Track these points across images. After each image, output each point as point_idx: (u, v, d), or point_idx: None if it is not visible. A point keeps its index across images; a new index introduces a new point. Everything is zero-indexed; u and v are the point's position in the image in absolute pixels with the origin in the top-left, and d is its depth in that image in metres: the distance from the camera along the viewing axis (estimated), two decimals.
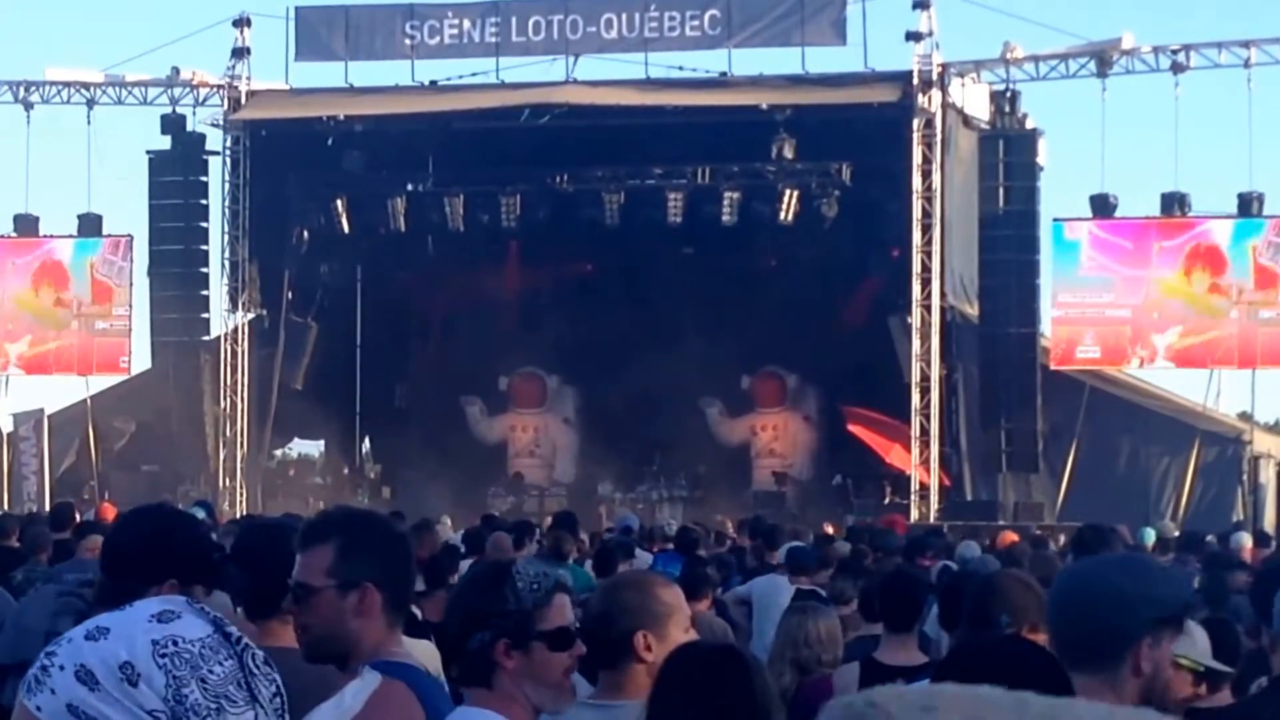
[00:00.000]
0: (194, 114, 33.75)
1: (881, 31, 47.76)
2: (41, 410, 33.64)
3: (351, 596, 4.06)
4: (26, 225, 34.20)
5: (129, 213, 44.66)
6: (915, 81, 30.54)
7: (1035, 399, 30.23)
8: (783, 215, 31.87)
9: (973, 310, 31.24)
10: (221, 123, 33.53)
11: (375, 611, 4.07)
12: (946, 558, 14.72)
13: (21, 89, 33.71)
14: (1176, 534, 20.12)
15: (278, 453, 35.90)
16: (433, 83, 32.83)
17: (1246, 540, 17.00)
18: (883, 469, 32.23)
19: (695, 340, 32.23)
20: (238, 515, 25.81)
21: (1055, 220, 31.20)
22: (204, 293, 33.56)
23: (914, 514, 29.65)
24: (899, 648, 7.66)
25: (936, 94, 30.68)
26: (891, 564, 12.55)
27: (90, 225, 33.92)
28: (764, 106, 30.74)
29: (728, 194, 32.08)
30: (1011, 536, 16.06)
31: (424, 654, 4.33)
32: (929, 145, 30.59)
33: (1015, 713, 1.68)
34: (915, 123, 30.50)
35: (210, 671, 2.22)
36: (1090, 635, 3.52)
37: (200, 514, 17.33)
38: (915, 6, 30.75)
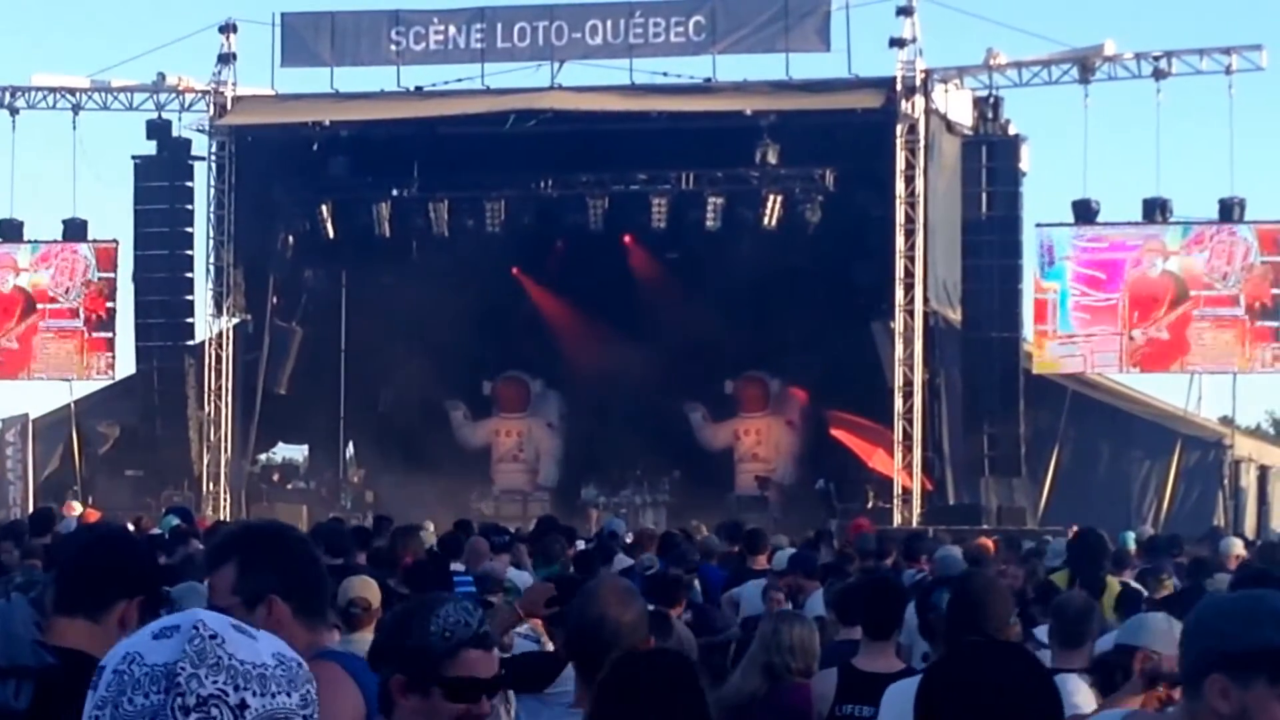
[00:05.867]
0: (180, 119, 33.89)
1: (865, 38, 47.91)
2: (26, 415, 33.65)
3: (259, 611, 4.10)
4: (11, 231, 34.20)
5: (114, 218, 44.77)
6: (899, 87, 30.64)
7: (1018, 403, 30.32)
8: (767, 220, 31.93)
9: (955, 315, 31.32)
10: (207, 128, 33.59)
11: (285, 620, 4.10)
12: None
13: (7, 95, 33.69)
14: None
15: (262, 457, 35.88)
16: (418, 88, 32.91)
17: (1237, 546, 16.63)
18: (865, 473, 32.25)
19: (679, 345, 32.28)
20: (221, 520, 25.79)
21: (1038, 225, 31.34)
22: (189, 297, 33.58)
23: (897, 518, 29.74)
24: (878, 654, 7.71)
25: (920, 100, 30.78)
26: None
27: (75, 230, 33.93)
28: (748, 112, 30.81)
29: (712, 199, 32.15)
30: (985, 543, 15.99)
31: None
32: (912, 151, 30.69)
33: None
34: (899, 128, 30.60)
35: (130, 701, 2.13)
36: (1181, 660, 3.56)
37: (175, 520, 17.42)
38: (899, 13, 30.85)
